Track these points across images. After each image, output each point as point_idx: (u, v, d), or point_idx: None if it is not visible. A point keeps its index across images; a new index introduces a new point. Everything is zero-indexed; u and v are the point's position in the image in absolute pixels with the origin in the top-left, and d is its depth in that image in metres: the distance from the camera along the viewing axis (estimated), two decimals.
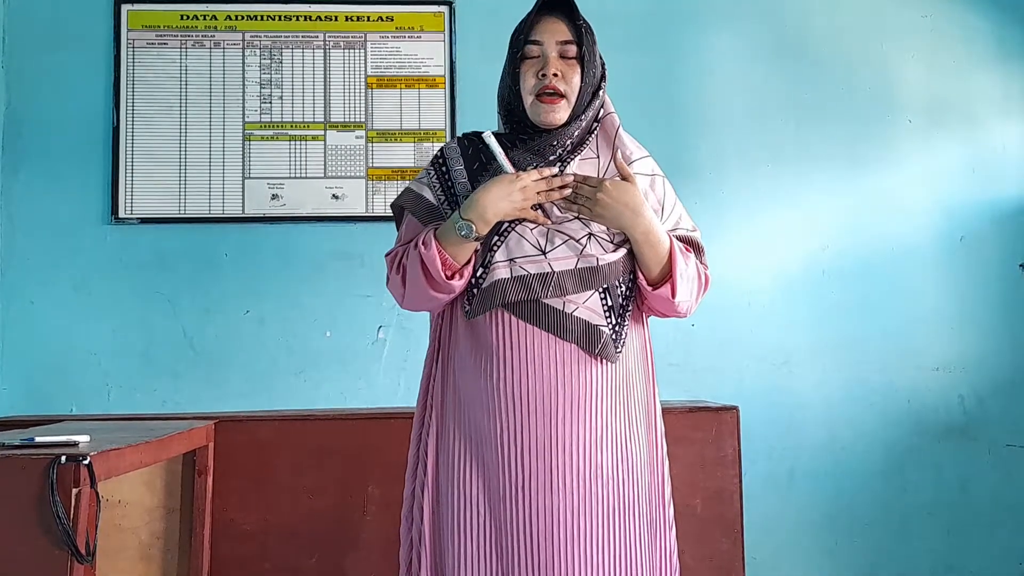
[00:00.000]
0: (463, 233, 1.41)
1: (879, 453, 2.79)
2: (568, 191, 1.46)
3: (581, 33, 1.48)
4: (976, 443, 2.81)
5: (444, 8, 2.81)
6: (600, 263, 1.45)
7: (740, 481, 2.31)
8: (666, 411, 2.26)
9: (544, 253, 1.44)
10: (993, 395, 2.83)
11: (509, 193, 1.42)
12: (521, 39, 1.49)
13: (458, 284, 1.44)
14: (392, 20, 2.81)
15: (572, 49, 1.48)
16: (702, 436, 2.30)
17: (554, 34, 1.48)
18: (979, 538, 2.78)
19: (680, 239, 1.54)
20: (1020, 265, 2.87)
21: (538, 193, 1.44)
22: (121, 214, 2.68)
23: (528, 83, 1.48)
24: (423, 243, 1.44)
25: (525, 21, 1.50)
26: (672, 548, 1.56)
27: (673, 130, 2.82)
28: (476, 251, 1.46)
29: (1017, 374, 2.84)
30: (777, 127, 2.86)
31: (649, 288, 1.49)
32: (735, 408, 2.35)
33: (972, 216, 2.88)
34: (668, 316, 1.56)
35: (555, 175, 1.45)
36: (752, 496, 2.50)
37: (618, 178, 1.47)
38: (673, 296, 1.47)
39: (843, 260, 2.83)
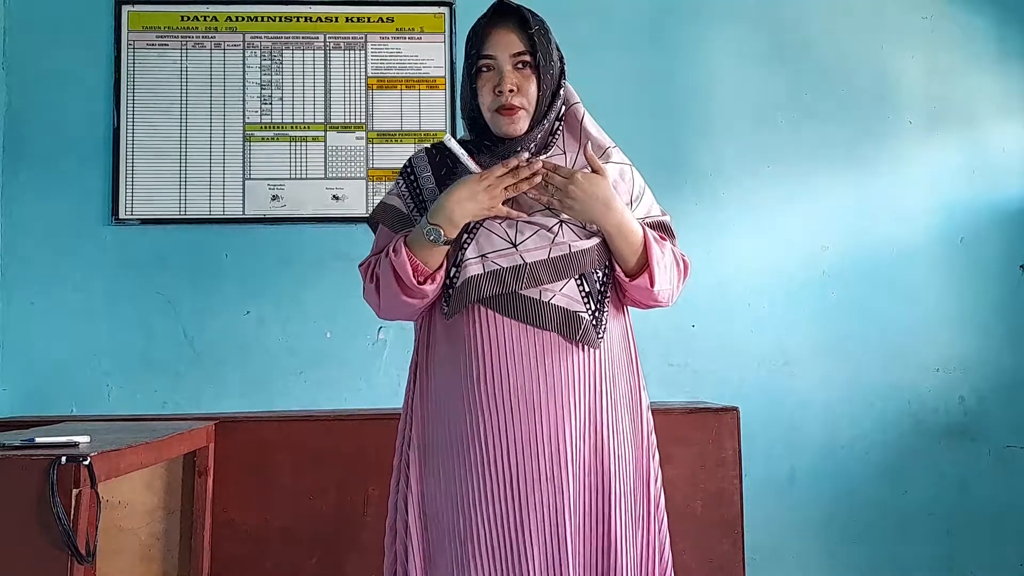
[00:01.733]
0: (431, 238, 1.41)
1: (879, 454, 2.79)
2: (538, 179, 1.44)
3: (534, 42, 1.46)
4: (976, 444, 2.81)
5: (444, 9, 2.81)
6: (573, 250, 1.44)
7: (740, 482, 2.31)
8: (667, 412, 2.28)
9: (515, 245, 1.43)
10: (993, 396, 2.83)
11: (474, 194, 1.42)
12: (474, 53, 1.47)
13: (430, 289, 1.44)
14: (392, 21, 2.81)
15: (526, 59, 1.46)
16: (702, 437, 2.31)
17: (507, 47, 1.46)
18: (979, 538, 2.78)
19: (652, 226, 1.54)
20: (1020, 266, 2.87)
21: (506, 188, 1.43)
22: (121, 215, 2.69)
23: (486, 99, 1.47)
24: (393, 250, 1.43)
25: (477, 33, 1.48)
26: (663, 543, 1.54)
27: (673, 131, 2.82)
28: (447, 255, 1.45)
29: (1017, 375, 2.84)
30: (777, 128, 2.86)
31: (627, 279, 1.48)
32: (735, 409, 2.35)
33: (972, 217, 2.88)
34: (650, 306, 1.55)
35: (522, 163, 1.43)
36: (752, 497, 2.50)
37: (588, 170, 1.46)
38: (652, 285, 1.47)
39: (843, 261, 2.83)
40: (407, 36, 2.80)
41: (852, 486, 2.77)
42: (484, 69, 1.47)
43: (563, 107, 1.52)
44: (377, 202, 1.59)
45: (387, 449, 1.66)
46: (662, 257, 1.49)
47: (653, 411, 1.60)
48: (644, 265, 1.47)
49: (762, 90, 2.86)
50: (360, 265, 1.54)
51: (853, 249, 2.84)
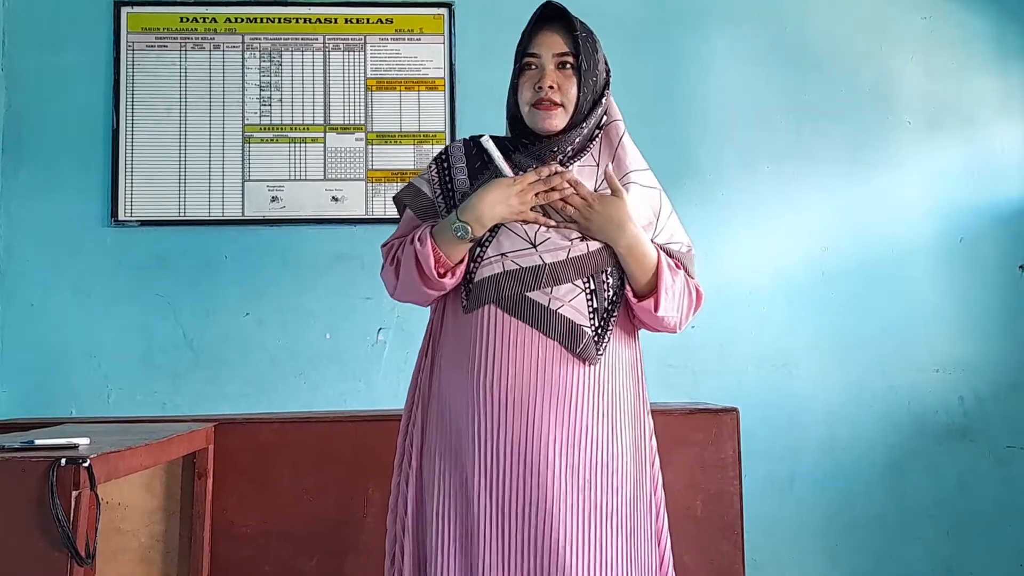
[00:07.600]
0: (459, 234, 1.46)
1: (879, 454, 2.78)
2: (570, 191, 1.48)
3: (578, 44, 1.50)
4: (976, 444, 2.81)
5: (443, 10, 2.81)
6: (591, 250, 1.48)
7: (740, 483, 2.31)
8: (666, 413, 2.28)
9: (535, 245, 1.47)
10: (993, 396, 2.83)
11: (506, 197, 1.46)
12: (520, 52, 1.53)
13: (449, 282, 1.48)
14: (392, 22, 2.81)
15: (569, 60, 1.50)
16: (702, 438, 2.31)
17: (551, 47, 1.50)
18: (979, 539, 2.78)
19: (670, 255, 1.56)
20: (1020, 267, 2.87)
21: (536, 195, 1.47)
22: (121, 216, 2.68)
23: (525, 95, 1.51)
24: (419, 239, 1.48)
25: (524, 35, 1.53)
26: (667, 562, 1.57)
27: (674, 132, 2.82)
28: (469, 251, 1.49)
29: (1017, 375, 2.84)
30: (777, 128, 2.86)
31: (635, 300, 1.51)
32: (735, 410, 2.35)
33: (972, 217, 2.87)
34: (659, 330, 1.57)
35: (554, 173, 1.48)
36: (752, 498, 2.50)
37: (607, 191, 1.49)
38: (656, 310, 1.49)
39: (843, 261, 2.83)
40: (406, 37, 2.80)
41: (852, 486, 2.76)
42: (528, 67, 1.52)
43: (604, 116, 1.56)
44: (406, 184, 1.63)
45: (387, 450, 1.66)
46: (672, 284, 1.51)
47: (653, 412, 1.61)
48: (654, 288, 1.50)
49: (762, 90, 2.86)
50: (383, 246, 1.59)
51: (853, 249, 2.84)
